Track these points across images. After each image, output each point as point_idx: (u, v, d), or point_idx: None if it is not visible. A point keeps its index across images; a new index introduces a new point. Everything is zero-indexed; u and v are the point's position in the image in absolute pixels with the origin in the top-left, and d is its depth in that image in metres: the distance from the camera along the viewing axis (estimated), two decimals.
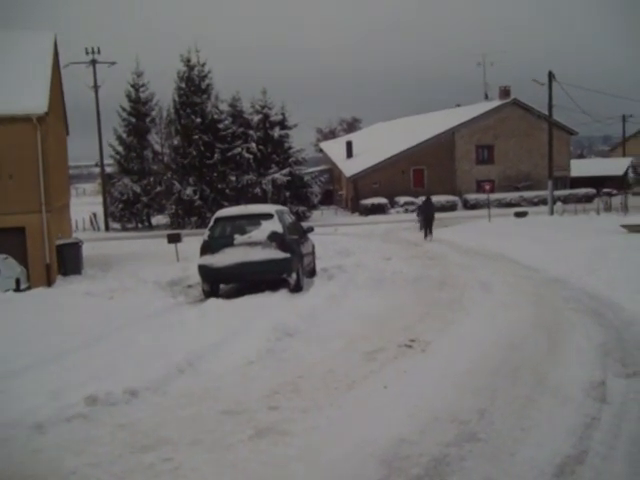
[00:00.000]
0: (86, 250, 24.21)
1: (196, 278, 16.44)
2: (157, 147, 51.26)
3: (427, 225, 29.61)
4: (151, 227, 49.12)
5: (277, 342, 10.33)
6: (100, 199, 51.32)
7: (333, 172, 61.60)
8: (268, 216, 15.99)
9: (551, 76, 38.43)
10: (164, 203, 47.82)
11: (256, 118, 47.99)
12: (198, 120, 45.61)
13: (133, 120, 49.39)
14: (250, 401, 7.62)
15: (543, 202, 45.59)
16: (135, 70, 49.49)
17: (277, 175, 46.38)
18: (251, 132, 47.34)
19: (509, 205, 48.84)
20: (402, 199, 50.51)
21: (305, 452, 6.09)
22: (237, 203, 33.23)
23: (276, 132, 47.82)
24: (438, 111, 62.94)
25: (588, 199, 50.81)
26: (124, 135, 49.28)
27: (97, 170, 57.86)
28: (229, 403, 7.59)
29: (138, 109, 49.49)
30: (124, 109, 49.32)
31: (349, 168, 53.79)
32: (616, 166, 65.50)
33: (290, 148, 48.61)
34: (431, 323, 11.59)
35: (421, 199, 34.82)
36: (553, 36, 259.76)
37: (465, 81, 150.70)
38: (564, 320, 11.49)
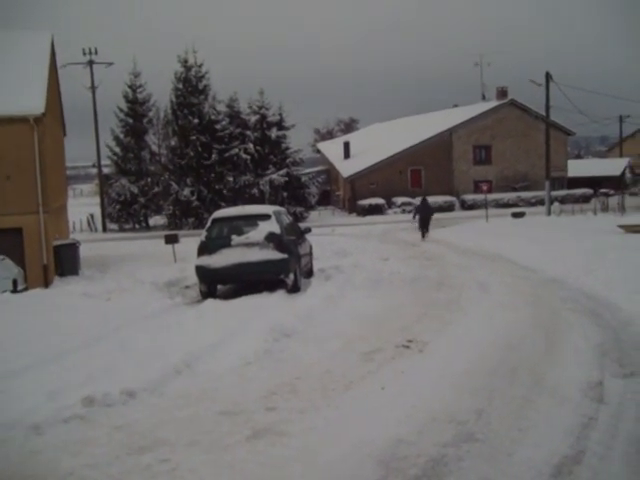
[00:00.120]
0: (83, 251, 24.17)
1: (193, 279, 16.43)
2: (154, 148, 51.30)
3: (424, 225, 29.69)
4: (148, 228, 49.07)
5: (275, 343, 10.33)
6: (97, 200, 51.24)
7: (330, 173, 61.62)
8: (265, 217, 15.98)
9: (548, 77, 38.48)
10: (161, 204, 47.78)
11: (253, 119, 47.97)
12: (195, 121, 45.57)
13: (130, 121, 49.35)
14: (247, 402, 7.62)
15: (540, 202, 45.66)
16: (132, 71, 49.47)
17: (274, 176, 46.36)
18: (248, 133, 47.32)
19: (506, 205, 48.88)
20: (399, 199, 50.53)
21: (302, 453, 6.09)
22: (234, 204, 33.23)
23: (273, 133, 47.80)
24: (436, 111, 62.98)
25: (585, 199, 50.88)
26: (121, 136, 49.24)
27: (94, 171, 57.86)
28: (226, 404, 7.58)
29: (135, 110, 49.45)
30: (121, 110, 49.28)
31: (346, 169, 53.80)
32: (613, 166, 65.56)
33: (287, 149, 48.59)
34: (429, 323, 11.59)
35: (418, 199, 34.88)
36: (551, 37, 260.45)
37: (463, 81, 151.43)
38: (562, 320, 11.50)
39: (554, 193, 44.97)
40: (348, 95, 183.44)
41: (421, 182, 52.53)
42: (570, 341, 9.96)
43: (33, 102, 21.30)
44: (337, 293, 14.55)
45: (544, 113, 40.67)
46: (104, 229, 48.25)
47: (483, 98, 60.05)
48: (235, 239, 15.37)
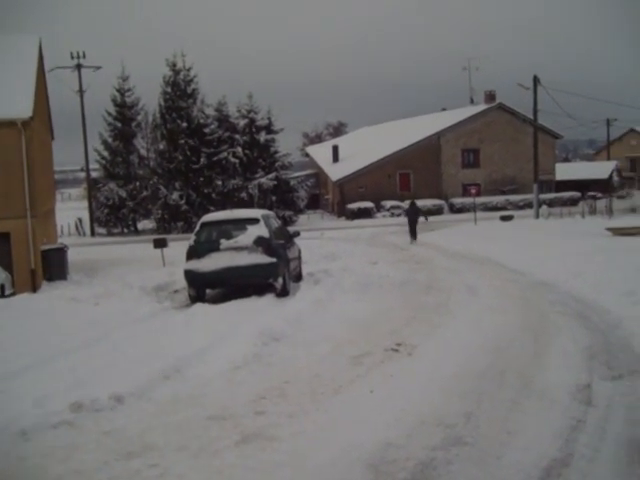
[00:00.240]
0: (71, 255, 24.06)
1: (182, 283, 16.38)
2: (143, 152, 51.17)
3: (412, 229, 29.76)
4: (137, 232, 48.91)
5: (264, 347, 10.32)
6: (85, 204, 51.04)
7: (319, 176, 61.63)
8: (254, 221, 15.96)
9: (536, 81, 38.66)
10: (150, 208, 47.66)
11: (242, 122, 47.91)
12: (184, 125, 45.53)
13: (119, 125, 49.18)
14: (236, 406, 7.60)
15: (529, 205, 45.79)
16: (121, 74, 49.33)
17: (263, 180, 46.34)
18: (237, 136, 47.30)
19: (495, 209, 49.00)
20: (388, 203, 50.56)
21: (292, 457, 6.08)
22: (223, 208, 33.22)
23: (262, 136, 47.75)
24: (424, 115, 63.09)
25: (573, 202, 51.07)
26: (110, 140, 49.05)
27: (82, 175, 57.60)
28: (215, 408, 7.56)
29: (124, 113, 49.30)
30: (109, 113, 49.11)
31: (335, 172, 53.81)
32: (601, 170, 65.86)
33: (276, 152, 48.57)
34: (417, 327, 11.60)
35: (407, 203, 34.93)
36: (539, 41, 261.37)
37: (451, 85, 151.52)
38: (550, 323, 11.54)
39: (542, 196, 45.11)
40: (336, 99, 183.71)
41: (410, 186, 52.59)
42: (559, 344, 9.99)
43: (21, 106, 21.21)
44: (326, 297, 14.54)
45: (532, 117, 40.80)
46: (92, 233, 48.05)
47: (471, 102, 60.25)
48: (224, 243, 15.34)
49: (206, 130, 46.44)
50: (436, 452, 6.03)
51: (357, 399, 7.72)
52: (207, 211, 31.37)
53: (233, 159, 46.27)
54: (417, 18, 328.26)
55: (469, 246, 24.88)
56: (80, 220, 49.62)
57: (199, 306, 14.15)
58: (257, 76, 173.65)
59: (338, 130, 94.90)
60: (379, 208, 50.58)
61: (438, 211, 49.79)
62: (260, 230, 15.55)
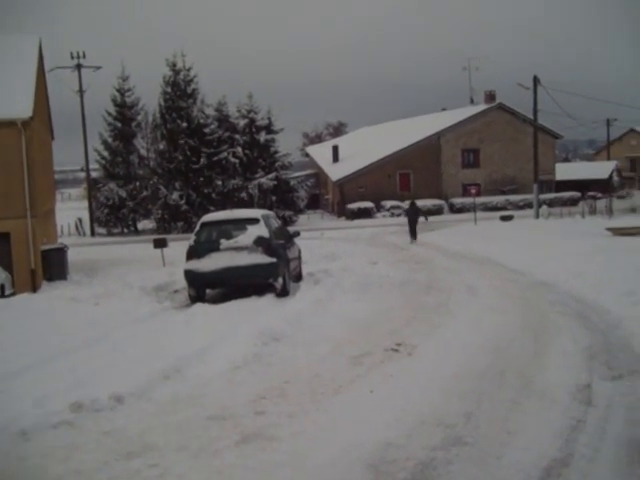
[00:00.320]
0: (71, 255, 24.06)
1: (182, 283, 16.38)
2: (143, 152, 51.17)
3: (412, 229, 29.77)
4: (137, 232, 48.91)
5: (264, 347, 10.31)
6: (86, 204, 51.03)
7: (319, 176, 61.63)
8: (254, 221, 15.96)
9: (536, 81, 38.66)
10: (150, 208, 47.66)
11: (242, 122, 47.90)
12: (184, 125, 45.54)
13: (119, 125, 49.18)
14: (236, 406, 7.60)
15: (529, 206, 45.79)
16: (121, 74, 49.34)
17: (263, 180, 46.33)
18: (237, 136, 47.29)
19: (495, 209, 49.00)
20: (388, 203, 50.55)
21: (292, 457, 6.08)
22: (223, 208, 33.21)
23: (262, 136, 47.75)
24: (424, 115, 63.07)
25: (573, 202, 51.06)
26: (110, 140, 49.04)
27: (82, 175, 57.60)
28: (215, 408, 7.56)
29: (124, 113, 49.30)
30: (109, 113, 49.11)
31: (335, 172, 53.80)
32: (601, 170, 65.84)
33: (276, 152, 48.56)
34: (417, 327, 11.59)
35: (407, 203, 34.94)
36: (539, 41, 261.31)
37: (451, 86, 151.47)
38: (550, 323, 11.54)
39: (542, 196, 45.11)
40: (336, 99, 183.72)
41: (410, 186, 52.58)
42: (559, 344, 9.99)
43: (21, 106, 21.21)
44: (326, 297, 14.54)
45: (532, 117, 40.79)
46: (92, 233, 48.05)
47: (471, 102, 60.23)
48: (224, 243, 15.34)
49: (206, 130, 46.44)
50: (436, 452, 6.03)
51: (357, 399, 7.72)
52: (207, 211, 31.37)
53: (233, 159, 46.27)
54: (417, 18, 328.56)
55: (469, 246, 24.88)
56: (80, 220, 49.61)
57: (199, 306, 14.15)
58: (257, 76, 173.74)
59: (338, 130, 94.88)
60: (379, 208, 50.57)
61: (438, 211, 49.78)
62: (260, 230, 15.55)
